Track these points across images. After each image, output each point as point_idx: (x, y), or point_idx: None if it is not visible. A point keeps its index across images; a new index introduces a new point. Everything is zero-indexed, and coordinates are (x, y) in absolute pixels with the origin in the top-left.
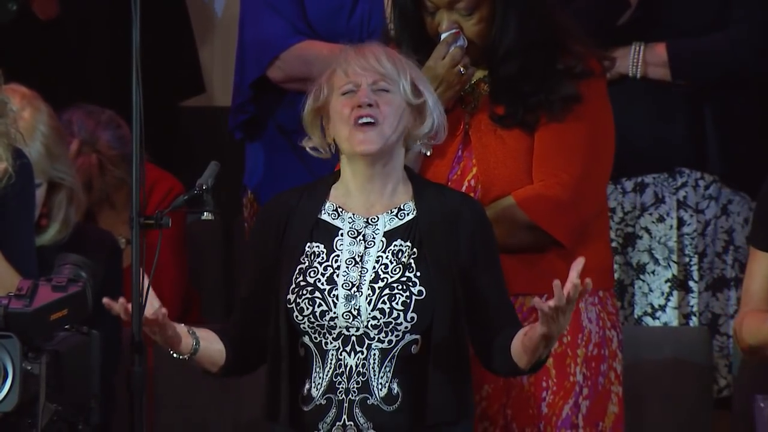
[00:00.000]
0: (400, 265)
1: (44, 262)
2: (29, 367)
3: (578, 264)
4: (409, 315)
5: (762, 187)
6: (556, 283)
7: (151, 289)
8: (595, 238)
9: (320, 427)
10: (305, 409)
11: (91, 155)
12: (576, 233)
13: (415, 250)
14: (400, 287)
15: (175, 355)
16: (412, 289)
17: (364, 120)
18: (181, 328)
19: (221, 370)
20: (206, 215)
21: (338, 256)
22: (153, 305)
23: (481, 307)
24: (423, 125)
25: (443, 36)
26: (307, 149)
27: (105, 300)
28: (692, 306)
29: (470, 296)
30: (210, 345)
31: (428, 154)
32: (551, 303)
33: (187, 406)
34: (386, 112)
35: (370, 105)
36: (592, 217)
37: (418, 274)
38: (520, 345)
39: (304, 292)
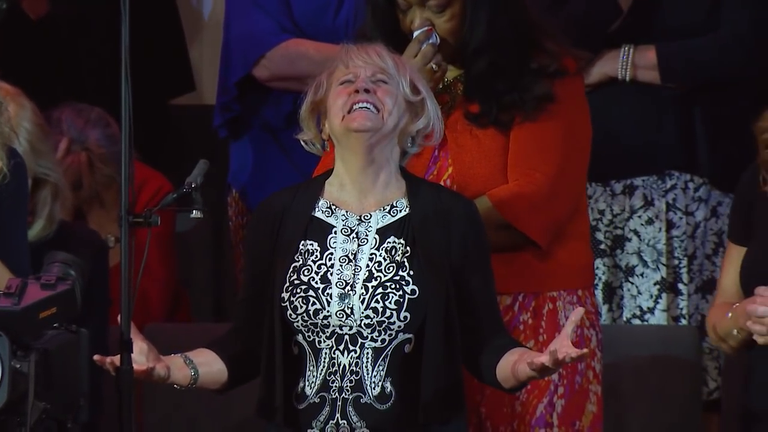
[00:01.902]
0: (394, 264)
1: (31, 259)
2: (18, 366)
3: (577, 314)
4: (402, 314)
5: (740, 178)
6: (552, 349)
7: (137, 340)
8: (574, 237)
9: (314, 425)
10: (299, 407)
11: (80, 153)
12: (551, 232)
13: (408, 248)
14: (393, 286)
15: (176, 386)
16: (405, 288)
17: (361, 105)
18: (177, 360)
19: (223, 386)
20: (195, 213)
21: (332, 253)
22: (140, 357)
23: (469, 309)
24: (419, 122)
25: (415, 34)
26: (301, 142)
27: (96, 357)
28: (681, 308)
29: (459, 298)
30: (210, 369)
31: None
32: (544, 361)
33: (176, 405)
34: (384, 100)
35: (367, 91)
36: (567, 216)
37: (412, 272)
38: (509, 371)
39: (298, 290)
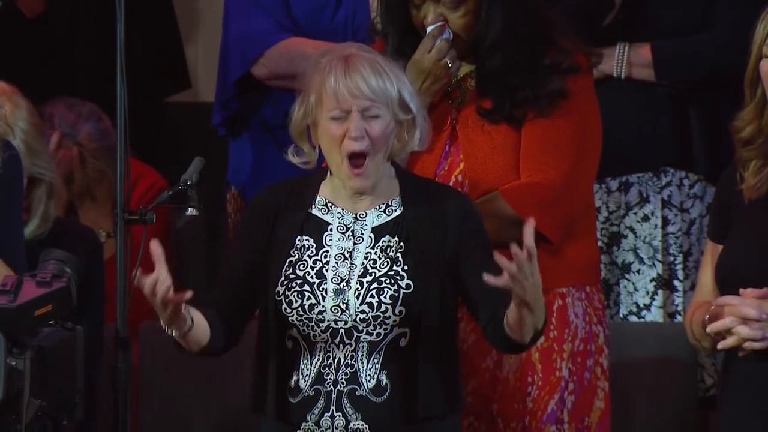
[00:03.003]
0: (388, 259)
1: (26, 257)
2: (14, 363)
3: (530, 225)
4: (398, 308)
5: (720, 177)
6: (516, 250)
7: (162, 265)
8: (582, 234)
9: (308, 418)
10: (293, 400)
11: (72, 148)
12: (563, 229)
13: (402, 244)
14: (388, 281)
15: (169, 331)
16: (400, 282)
17: (357, 166)
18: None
19: (202, 349)
20: (190, 211)
21: (327, 251)
22: (165, 283)
23: (474, 285)
24: (411, 141)
25: (429, 29)
26: (295, 162)
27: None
28: (677, 305)
29: (464, 277)
30: (199, 324)
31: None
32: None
33: (171, 401)
34: (376, 140)
35: (361, 137)
36: (578, 212)
37: (406, 267)
38: (508, 322)
39: (293, 285)
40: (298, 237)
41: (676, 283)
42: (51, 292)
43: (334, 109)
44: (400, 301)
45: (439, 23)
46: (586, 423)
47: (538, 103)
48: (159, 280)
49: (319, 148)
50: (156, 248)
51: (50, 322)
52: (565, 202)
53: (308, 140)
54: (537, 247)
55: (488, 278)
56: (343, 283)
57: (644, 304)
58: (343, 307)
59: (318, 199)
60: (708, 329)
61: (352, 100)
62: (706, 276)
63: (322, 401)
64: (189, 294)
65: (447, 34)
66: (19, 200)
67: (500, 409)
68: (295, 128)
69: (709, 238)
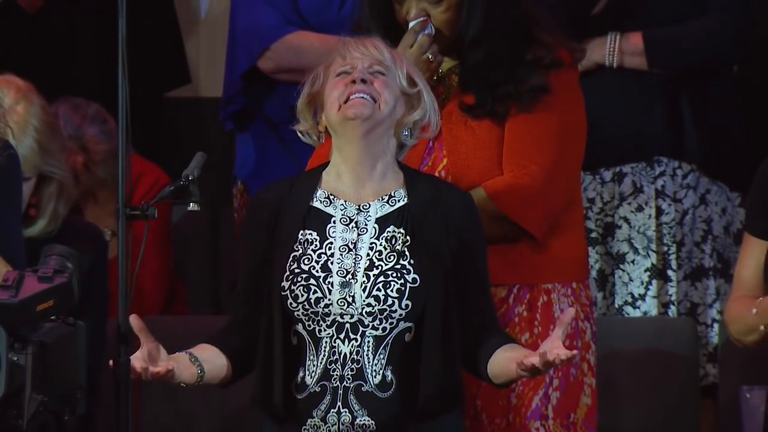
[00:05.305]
0: (394, 253)
1: (33, 255)
2: (15, 358)
3: (568, 315)
4: (404, 302)
5: (759, 170)
6: (542, 351)
7: (147, 338)
8: (569, 229)
9: (314, 414)
10: (299, 397)
11: (77, 155)
12: (546, 224)
13: (408, 237)
14: (394, 274)
15: (182, 385)
16: (406, 276)
17: (358, 96)
18: (183, 359)
19: (226, 381)
20: (192, 206)
21: (331, 243)
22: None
23: (463, 302)
24: (414, 113)
25: (411, 24)
26: (297, 133)
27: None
28: (671, 295)
29: (455, 289)
30: (214, 365)
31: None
32: (534, 362)
33: (173, 397)
34: (381, 90)
35: (364, 81)
36: (562, 207)
37: (412, 261)
38: (501, 368)
39: (299, 279)
40: (301, 231)
41: (669, 273)
42: (53, 288)
43: (341, 67)
44: (406, 295)
45: (422, 18)
46: (572, 419)
47: (520, 99)
48: (146, 358)
49: (326, 136)
50: (135, 321)
51: (52, 318)
52: (548, 196)
53: (314, 121)
54: (520, 242)
55: (521, 361)
56: (349, 276)
57: (639, 294)
58: (350, 300)
59: (320, 192)
60: (763, 300)
61: (360, 57)
62: (747, 270)
63: (328, 397)
64: (170, 367)
65: (429, 29)
66: (17, 199)
67: (484, 405)
68: (301, 102)
69: (750, 233)
